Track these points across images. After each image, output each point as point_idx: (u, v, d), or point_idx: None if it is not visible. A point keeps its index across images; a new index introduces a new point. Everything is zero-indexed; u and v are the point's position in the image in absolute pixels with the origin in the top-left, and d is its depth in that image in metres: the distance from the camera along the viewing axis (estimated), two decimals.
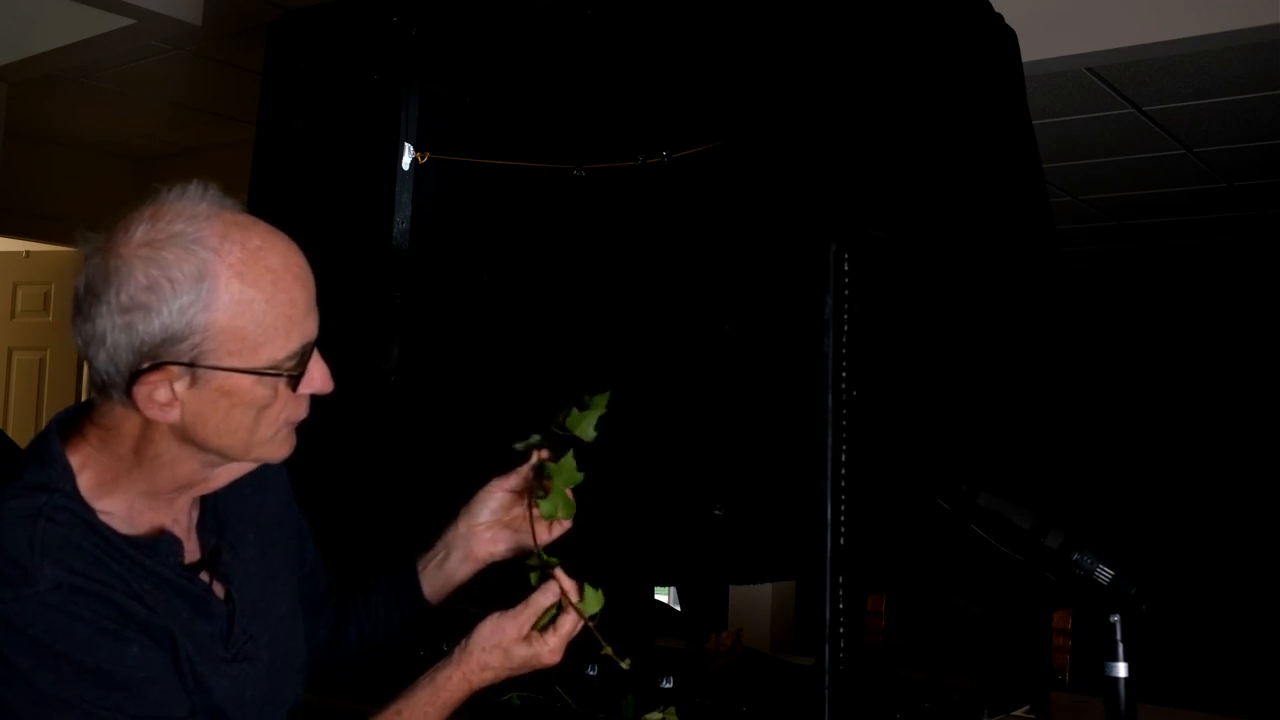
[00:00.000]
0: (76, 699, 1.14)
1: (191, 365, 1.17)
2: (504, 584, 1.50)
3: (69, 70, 4.30)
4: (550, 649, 1.36)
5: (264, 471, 1.36)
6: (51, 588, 1.13)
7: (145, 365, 1.16)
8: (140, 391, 1.17)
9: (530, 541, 1.45)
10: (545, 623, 1.37)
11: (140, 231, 1.17)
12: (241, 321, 1.17)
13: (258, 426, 1.23)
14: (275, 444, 1.27)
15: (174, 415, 1.19)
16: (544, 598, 1.38)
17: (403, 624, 1.56)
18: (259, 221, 1.23)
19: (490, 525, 1.53)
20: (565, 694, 1.91)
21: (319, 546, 1.57)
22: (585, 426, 1.40)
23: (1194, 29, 3.06)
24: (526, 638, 1.36)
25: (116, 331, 1.15)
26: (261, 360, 1.19)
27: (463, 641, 1.39)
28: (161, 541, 1.24)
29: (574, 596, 1.38)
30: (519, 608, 1.38)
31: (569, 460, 1.44)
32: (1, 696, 1.12)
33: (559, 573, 1.39)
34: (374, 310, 2.30)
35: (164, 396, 1.18)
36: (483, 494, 1.54)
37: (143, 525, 1.25)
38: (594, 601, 1.38)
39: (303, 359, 1.23)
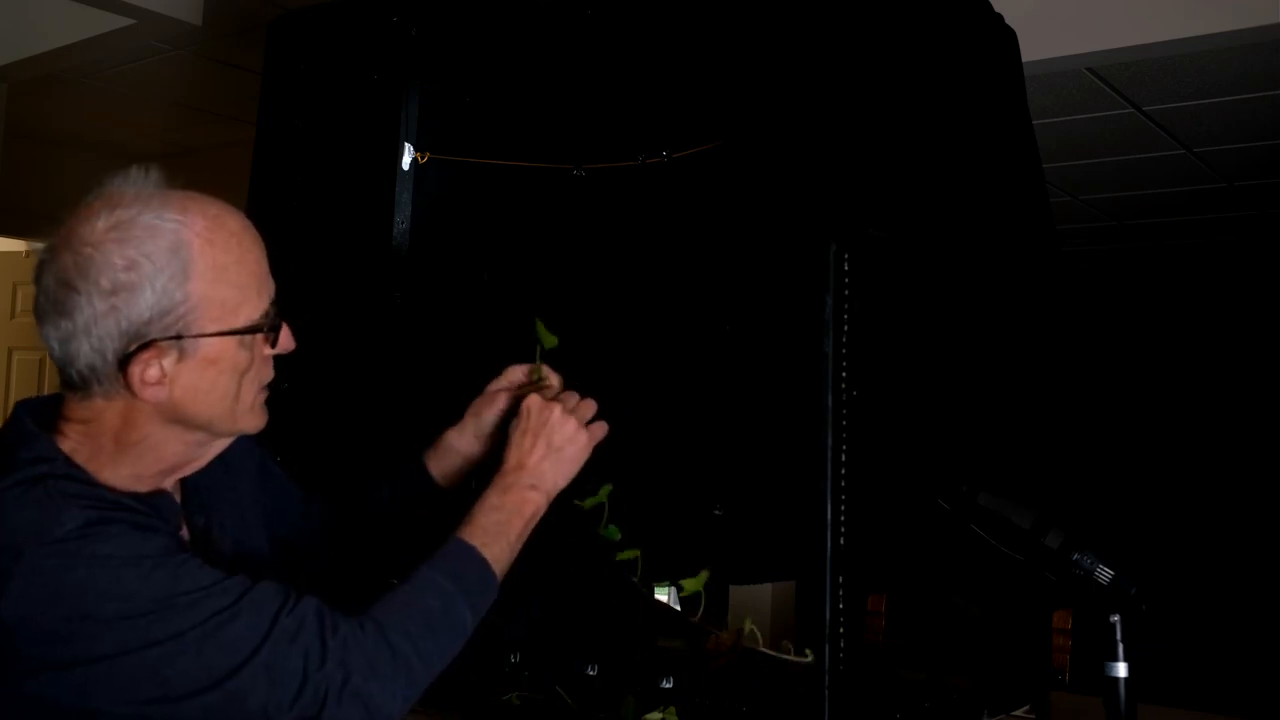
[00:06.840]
0: (161, 636, 1.11)
1: (178, 338, 1.18)
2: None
3: (69, 70, 4.30)
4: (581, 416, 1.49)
5: (232, 455, 1.36)
6: (82, 525, 1.11)
7: (134, 347, 1.17)
8: (133, 372, 1.17)
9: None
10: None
11: (102, 219, 1.18)
12: (220, 286, 1.20)
13: (240, 392, 1.26)
14: (254, 413, 1.30)
15: (164, 393, 1.20)
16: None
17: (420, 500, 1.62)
18: (203, 194, 1.27)
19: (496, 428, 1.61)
20: (565, 694, 1.92)
21: None
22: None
23: (1194, 29, 3.06)
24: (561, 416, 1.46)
25: (102, 319, 1.16)
26: (241, 321, 1.23)
27: None
28: (162, 500, 1.25)
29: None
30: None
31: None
32: (101, 648, 1.10)
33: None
34: (374, 310, 2.29)
35: (155, 375, 1.19)
36: (487, 406, 1.63)
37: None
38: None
39: (275, 314, 1.27)
